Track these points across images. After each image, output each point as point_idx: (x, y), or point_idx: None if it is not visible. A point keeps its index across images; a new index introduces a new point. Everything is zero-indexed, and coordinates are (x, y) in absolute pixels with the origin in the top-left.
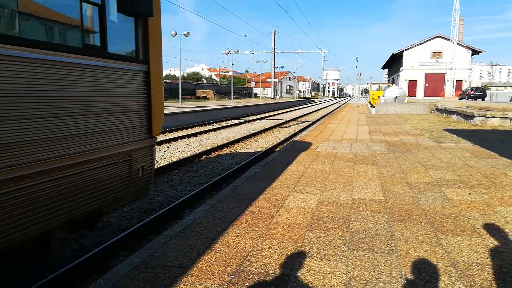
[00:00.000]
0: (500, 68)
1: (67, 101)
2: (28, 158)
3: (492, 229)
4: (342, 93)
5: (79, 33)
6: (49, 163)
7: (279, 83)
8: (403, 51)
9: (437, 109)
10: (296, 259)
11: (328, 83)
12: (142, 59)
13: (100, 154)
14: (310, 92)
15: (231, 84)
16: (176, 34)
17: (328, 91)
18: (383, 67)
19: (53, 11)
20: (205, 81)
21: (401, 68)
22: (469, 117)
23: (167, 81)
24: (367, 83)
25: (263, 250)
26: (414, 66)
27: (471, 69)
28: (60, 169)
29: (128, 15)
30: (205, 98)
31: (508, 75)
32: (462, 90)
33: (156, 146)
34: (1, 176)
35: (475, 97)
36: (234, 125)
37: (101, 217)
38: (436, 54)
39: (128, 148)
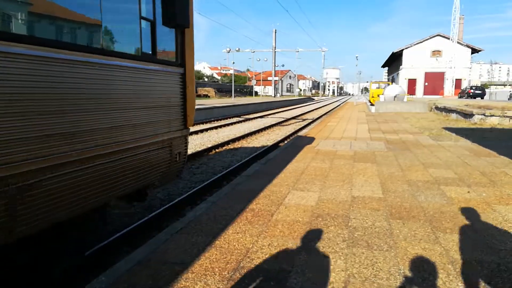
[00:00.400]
0: (500, 67)
1: (133, 96)
2: (114, 139)
3: (490, 227)
4: (342, 91)
5: (139, 44)
6: (127, 144)
7: (280, 81)
8: (403, 49)
9: (437, 108)
10: (295, 256)
11: (328, 81)
12: (180, 63)
13: (151, 140)
14: (311, 91)
15: (232, 83)
16: None
17: (328, 90)
18: (383, 66)
19: (122, 27)
20: (206, 80)
21: (400, 67)
22: (468, 115)
23: None
24: (367, 82)
25: (263, 247)
26: (414, 65)
27: (470, 68)
28: (127, 150)
29: (170, 27)
30: (206, 96)
31: (508, 73)
32: (462, 88)
33: None
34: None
35: (474, 96)
36: (235, 123)
37: (146, 192)
38: (436, 52)
39: (170, 136)
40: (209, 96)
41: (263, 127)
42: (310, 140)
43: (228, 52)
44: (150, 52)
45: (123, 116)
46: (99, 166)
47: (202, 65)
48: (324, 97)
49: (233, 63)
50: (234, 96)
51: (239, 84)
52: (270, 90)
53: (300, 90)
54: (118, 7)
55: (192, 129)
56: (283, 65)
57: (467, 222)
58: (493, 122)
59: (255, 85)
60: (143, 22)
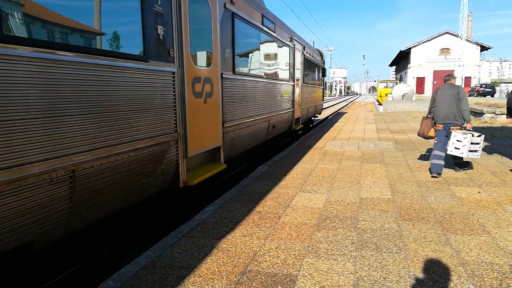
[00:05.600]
0: (510, 64)
1: (315, 94)
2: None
3: (502, 228)
4: (350, 91)
5: (322, 81)
6: (316, 103)
7: None
8: (410, 48)
9: None
10: (303, 259)
11: (335, 81)
12: (323, 84)
13: (319, 103)
14: None
15: None
16: None
17: (335, 89)
18: (391, 65)
19: (318, 77)
20: None
21: (408, 65)
22: (478, 114)
23: None
24: (375, 81)
25: (271, 250)
26: (422, 63)
27: (480, 66)
28: (315, 106)
29: (323, 76)
30: None
31: None
32: (471, 86)
33: None
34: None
35: (484, 94)
36: None
37: (317, 115)
38: (445, 50)
39: (321, 103)
40: None
41: None
42: (317, 140)
43: None
44: (321, 81)
45: (315, 98)
46: (312, 108)
47: None
48: (331, 97)
49: None
50: None
51: None
52: None
53: None
54: (318, 72)
55: None
56: None
57: (478, 223)
58: (504, 120)
59: None
60: (321, 77)
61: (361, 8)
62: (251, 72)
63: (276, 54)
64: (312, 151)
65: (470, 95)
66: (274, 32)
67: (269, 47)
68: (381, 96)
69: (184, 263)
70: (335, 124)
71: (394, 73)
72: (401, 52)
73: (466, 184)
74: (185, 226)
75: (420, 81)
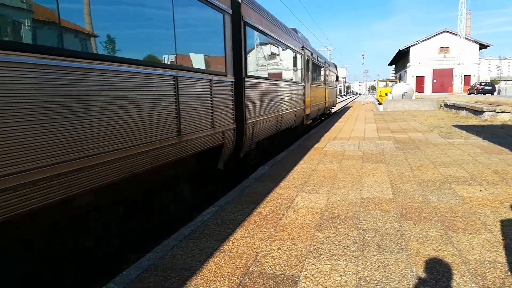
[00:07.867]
0: (509, 62)
1: (334, 92)
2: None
3: (504, 226)
4: (349, 90)
5: (335, 83)
6: (331, 99)
7: None
8: (409, 47)
9: (446, 105)
10: (305, 260)
11: None
12: (336, 86)
13: (333, 99)
14: None
15: None
16: None
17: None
18: (390, 64)
19: (334, 80)
20: None
21: (408, 64)
22: (478, 112)
23: None
24: (374, 80)
25: (272, 251)
26: (421, 62)
27: (479, 64)
28: (329, 102)
29: (337, 81)
30: None
31: None
32: (471, 85)
33: None
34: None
35: (484, 92)
36: None
37: (330, 110)
38: (444, 49)
39: (334, 99)
40: None
41: None
42: (318, 141)
43: None
44: (336, 85)
45: (333, 95)
46: (332, 102)
47: None
48: None
49: None
50: None
51: None
52: None
53: None
54: (334, 79)
55: None
56: None
57: (479, 222)
58: (504, 118)
59: None
60: (335, 81)
61: (357, 8)
62: (314, 82)
63: (321, 72)
64: (313, 151)
65: (469, 93)
66: (321, 62)
67: (319, 69)
68: (380, 96)
69: (186, 265)
70: (335, 124)
71: (394, 72)
72: (400, 51)
73: (467, 182)
74: (186, 228)
75: (420, 80)
